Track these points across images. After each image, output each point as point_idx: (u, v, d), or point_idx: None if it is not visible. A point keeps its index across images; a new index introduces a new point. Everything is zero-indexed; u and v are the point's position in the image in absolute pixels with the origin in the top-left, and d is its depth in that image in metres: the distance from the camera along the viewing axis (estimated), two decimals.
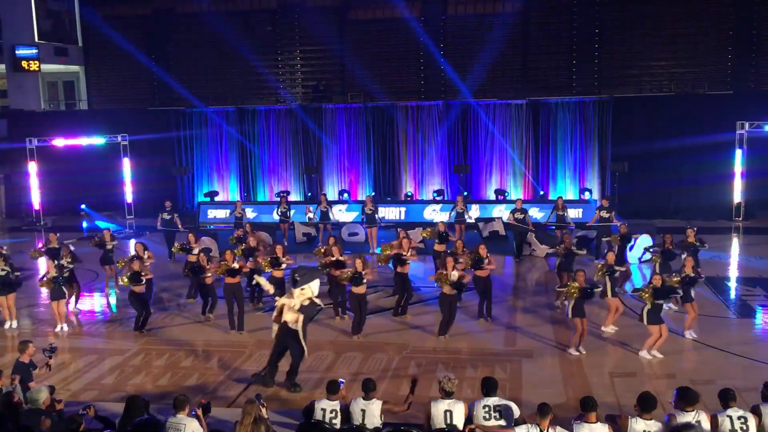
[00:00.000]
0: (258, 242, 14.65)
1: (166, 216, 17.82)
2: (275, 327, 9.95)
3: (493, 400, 7.20)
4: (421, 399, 9.27)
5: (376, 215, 18.62)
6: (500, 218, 19.62)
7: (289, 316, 9.70)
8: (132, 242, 19.50)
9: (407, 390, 7.86)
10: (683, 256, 12.64)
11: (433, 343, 11.66)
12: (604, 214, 16.65)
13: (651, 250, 13.88)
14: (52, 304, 12.83)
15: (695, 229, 13.81)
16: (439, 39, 25.48)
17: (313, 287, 9.84)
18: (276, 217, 19.68)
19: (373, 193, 22.85)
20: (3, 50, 27.18)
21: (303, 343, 9.73)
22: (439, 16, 25.47)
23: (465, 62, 24.94)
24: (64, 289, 12.87)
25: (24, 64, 27.01)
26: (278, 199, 20.98)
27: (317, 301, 9.99)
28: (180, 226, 17.67)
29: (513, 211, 17.60)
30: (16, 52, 26.90)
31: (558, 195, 20.19)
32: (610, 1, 24.48)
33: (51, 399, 7.46)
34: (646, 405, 6.81)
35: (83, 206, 25.14)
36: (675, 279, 11.13)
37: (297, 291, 9.74)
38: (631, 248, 15.49)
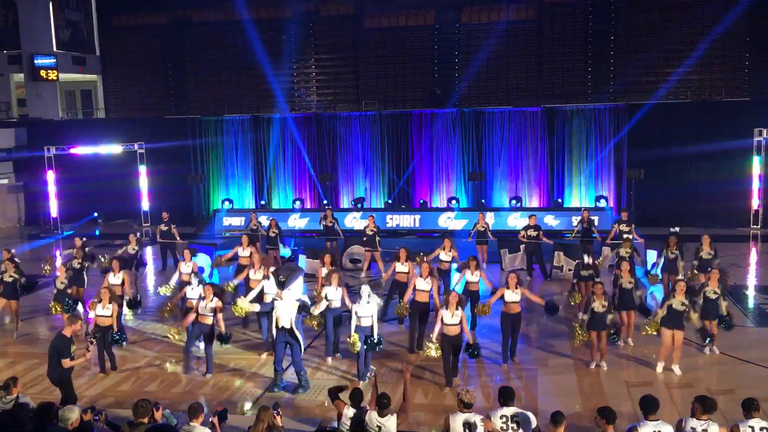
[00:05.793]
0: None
1: (163, 227, 17.66)
2: (273, 333, 10.15)
3: (510, 411, 7.10)
4: (434, 408, 9.29)
5: (378, 237, 16.47)
6: (525, 244, 16.90)
7: (285, 319, 9.96)
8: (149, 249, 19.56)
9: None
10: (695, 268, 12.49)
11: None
12: (624, 228, 15.59)
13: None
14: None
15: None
16: (454, 47, 25.54)
17: (297, 285, 10.27)
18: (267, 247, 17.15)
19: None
20: (22, 60, 27.59)
21: (300, 338, 10.04)
22: (453, 23, 25.60)
23: (479, 70, 24.96)
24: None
25: (42, 73, 27.39)
26: (268, 222, 17.66)
27: (303, 298, 10.40)
28: (177, 238, 17.57)
29: (526, 228, 16.47)
30: (35, 61, 27.31)
31: (583, 207, 19.73)
32: (625, 8, 24.43)
33: (82, 419, 7.09)
34: (648, 407, 6.77)
35: (95, 214, 25.39)
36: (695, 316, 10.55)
37: (286, 292, 10.09)
38: (653, 266, 14.00)
